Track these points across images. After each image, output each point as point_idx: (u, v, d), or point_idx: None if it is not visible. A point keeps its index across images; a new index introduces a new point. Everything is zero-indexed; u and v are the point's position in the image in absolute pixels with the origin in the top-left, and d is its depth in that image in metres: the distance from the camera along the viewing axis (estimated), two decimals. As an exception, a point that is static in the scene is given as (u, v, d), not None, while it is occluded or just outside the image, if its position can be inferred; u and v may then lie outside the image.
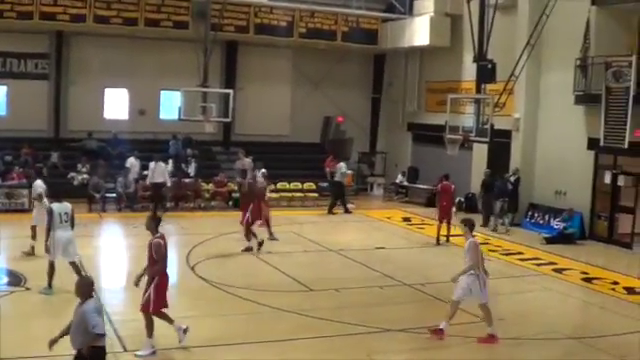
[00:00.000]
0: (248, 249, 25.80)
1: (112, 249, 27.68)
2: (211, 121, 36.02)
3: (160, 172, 33.82)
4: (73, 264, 19.93)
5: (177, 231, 30.25)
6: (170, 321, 15.62)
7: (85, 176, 35.61)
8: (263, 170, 31.75)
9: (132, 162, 35.14)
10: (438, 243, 29.21)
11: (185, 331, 15.57)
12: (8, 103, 39.22)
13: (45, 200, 22.96)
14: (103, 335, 11.31)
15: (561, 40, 32.17)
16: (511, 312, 19.96)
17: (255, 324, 17.67)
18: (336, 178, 36.69)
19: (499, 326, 18.04)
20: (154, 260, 15.32)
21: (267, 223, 27.84)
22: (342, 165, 37.10)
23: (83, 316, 11.22)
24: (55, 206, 20.05)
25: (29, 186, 32.78)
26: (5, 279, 21.02)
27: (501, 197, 33.13)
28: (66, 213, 19.92)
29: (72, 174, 36.37)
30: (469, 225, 17.31)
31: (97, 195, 33.54)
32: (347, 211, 35.81)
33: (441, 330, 16.82)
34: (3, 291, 18.71)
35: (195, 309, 18.86)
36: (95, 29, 37.82)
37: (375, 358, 15.44)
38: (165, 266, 15.55)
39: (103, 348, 11.42)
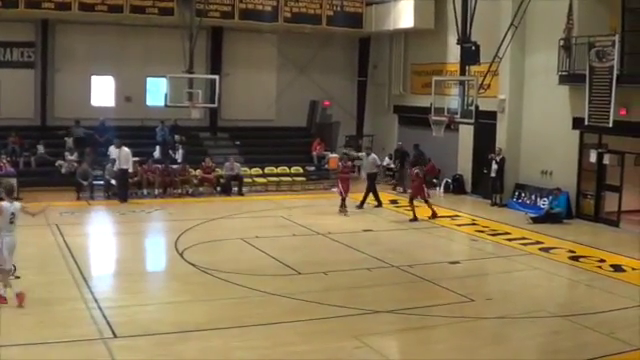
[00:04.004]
0: None
1: (101, 236, 27.73)
2: (197, 107, 36.12)
3: (125, 158, 33.36)
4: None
5: (165, 217, 30.44)
6: None
7: (74, 164, 35.50)
8: None
9: (112, 150, 34.75)
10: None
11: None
12: (-6, 92, 39.22)
13: None
14: None
15: (544, 21, 32.27)
16: (498, 291, 20.22)
17: (244, 308, 17.74)
18: (367, 171, 34.90)
19: (487, 305, 18.31)
20: None
21: None
22: (375, 157, 35.51)
23: None
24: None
25: (17, 175, 32.82)
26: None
27: (417, 165, 33.27)
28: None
29: (60, 162, 36.29)
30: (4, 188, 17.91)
31: (85, 183, 33.47)
32: (362, 205, 33.64)
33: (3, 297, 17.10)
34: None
35: (185, 294, 18.99)
36: (80, 17, 37.69)
37: (364, 340, 15.48)
38: None
39: None
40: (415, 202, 30.68)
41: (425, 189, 31.15)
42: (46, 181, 34.87)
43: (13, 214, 16.94)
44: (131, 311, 17.14)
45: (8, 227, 16.96)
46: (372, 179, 34.23)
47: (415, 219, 30.20)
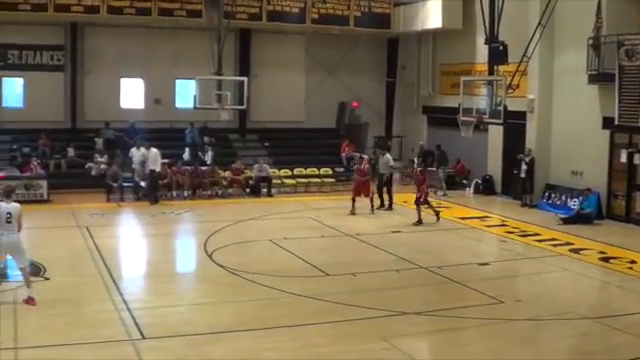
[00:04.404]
0: None
1: (130, 238, 27.83)
2: (226, 109, 36.15)
3: (153, 159, 33.45)
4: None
5: (194, 219, 30.52)
6: None
7: (103, 166, 35.70)
8: None
9: (133, 152, 34.98)
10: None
11: None
12: (25, 95, 39.51)
13: None
14: None
15: (573, 20, 32.06)
16: (528, 293, 20.07)
17: (273, 309, 17.73)
18: (381, 171, 34.08)
19: (516, 307, 18.19)
20: None
21: None
22: (389, 158, 34.60)
23: None
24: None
25: (47, 177, 33.04)
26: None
27: (442, 165, 36.56)
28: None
29: (90, 164, 36.52)
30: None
31: (115, 184, 33.61)
32: (390, 206, 33.35)
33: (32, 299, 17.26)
34: (21, 281, 18.77)
35: (214, 295, 19.06)
36: (109, 20, 38.05)
37: (392, 341, 15.43)
38: None
39: None
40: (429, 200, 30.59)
41: (423, 191, 30.54)
42: (76, 183, 35.12)
43: (9, 214, 17.04)
44: (160, 312, 17.19)
45: (4, 226, 17.03)
46: (382, 179, 33.90)
47: (437, 217, 30.09)
